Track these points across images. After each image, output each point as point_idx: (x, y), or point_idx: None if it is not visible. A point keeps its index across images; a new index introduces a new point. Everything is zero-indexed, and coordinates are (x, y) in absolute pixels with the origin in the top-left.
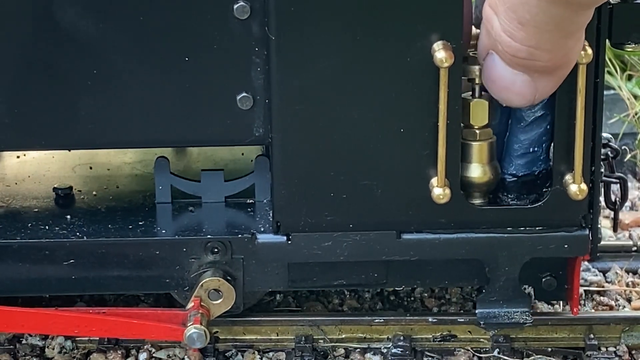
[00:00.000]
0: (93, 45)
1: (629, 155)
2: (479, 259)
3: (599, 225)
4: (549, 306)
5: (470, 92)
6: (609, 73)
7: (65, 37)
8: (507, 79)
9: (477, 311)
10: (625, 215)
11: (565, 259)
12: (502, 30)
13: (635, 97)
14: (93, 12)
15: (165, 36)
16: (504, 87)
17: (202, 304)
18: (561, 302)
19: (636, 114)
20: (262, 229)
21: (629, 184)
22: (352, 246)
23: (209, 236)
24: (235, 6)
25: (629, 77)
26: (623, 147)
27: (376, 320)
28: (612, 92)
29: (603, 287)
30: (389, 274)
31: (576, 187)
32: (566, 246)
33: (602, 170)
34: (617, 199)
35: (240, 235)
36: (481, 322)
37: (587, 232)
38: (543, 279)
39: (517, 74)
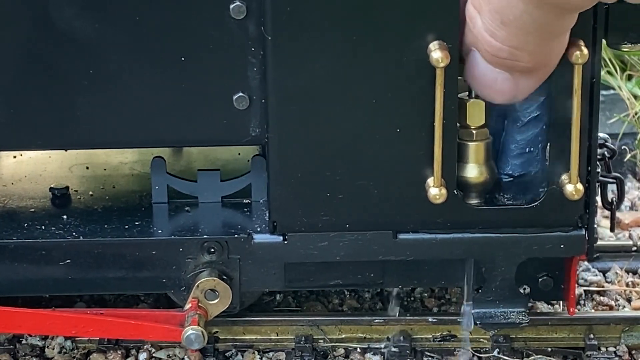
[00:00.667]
0: (90, 45)
1: (629, 155)
2: (476, 259)
3: (598, 225)
4: (549, 306)
5: (467, 92)
6: (609, 73)
7: (62, 36)
8: (489, 77)
9: (473, 311)
10: (625, 215)
11: (561, 259)
12: (484, 30)
13: (635, 97)
14: (89, 11)
15: (161, 36)
16: (485, 84)
17: (199, 304)
18: (561, 302)
19: (636, 114)
20: (258, 229)
21: (629, 184)
22: (349, 246)
23: (205, 236)
24: (232, 6)
25: (629, 77)
26: (623, 147)
27: (376, 320)
28: (612, 92)
29: (603, 287)
30: (386, 274)
31: (572, 187)
32: (562, 246)
33: (599, 170)
34: (614, 199)
35: (236, 235)
36: (478, 322)
37: (583, 232)
38: (540, 279)
39: (498, 72)
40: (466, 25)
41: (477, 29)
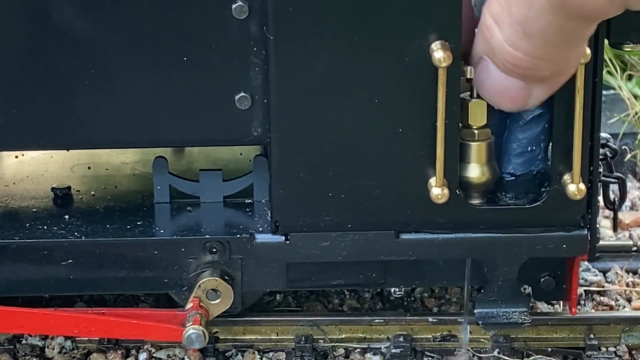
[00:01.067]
0: (91, 44)
1: (629, 155)
2: (478, 259)
3: (598, 225)
4: (549, 306)
5: (469, 92)
6: (609, 73)
7: (63, 36)
8: (502, 85)
9: (475, 311)
10: (625, 215)
11: (563, 259)
12: (505, 41)
13: (635, 97)
14: (90, 11)
15: (163, 36)
16: (497, 92)
17: (201, 304)
18: (561, 302)
19: (636, 114)
20: (260, 229)
21: (629, 184)
22: (351, 246)
23: (207, 236)
24: (234, 6)
25: (629, 77)
26: (623, 147)
27: (376, 320)
28: (612, 92)
29: (603, 287)
30: (388, 273)
31: (574, 187)
32: (564, 246)
33: (601, 170)
34: (616, 198)
35: (238, 235)
36: (480, 322)
37: (585, 232)
38: (541, 279)
39: (512, 81)
40: (478, 34)
41: (496, 40)
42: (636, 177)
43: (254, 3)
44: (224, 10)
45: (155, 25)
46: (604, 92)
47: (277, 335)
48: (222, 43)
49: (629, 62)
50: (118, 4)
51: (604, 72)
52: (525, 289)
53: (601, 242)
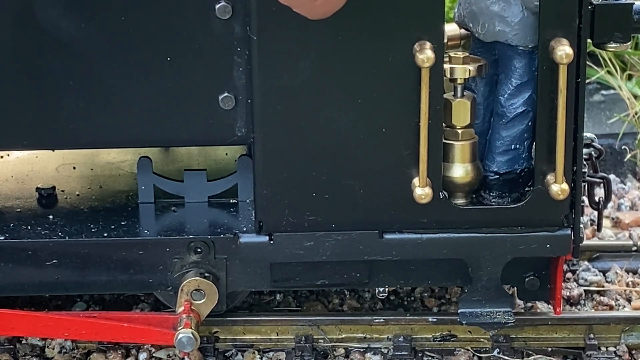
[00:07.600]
0: (75, 44)
1: (629, 155)
2: (462, 259)
3: (582, 225)
4: (549, 306)
5: (452, 92)
6: (609, 73)
7: (47, 36)
8: None
9: (459, 310)
10: (625, 215)
11: (548, 259)
12: None
13: (635, 97)
14: (75, 11)
15: (147, 36)
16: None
17: (192, 307)
18: (562, 302)
19: (636, 114)
20: (244, 229)
21: (629, 184)
22: (335, 246)
23: (191, 236)
24: (217, 6)
25: (629, 77)
26: (623, 147)
27: (376, 320)
28: (612, 92)
29: (603, 287)
30: (372, 273)
31: (558, 187)
32: (548, 246)
33: (585, 170)
34: (601, 199)
35: (222, 235)
36: (463, 322)
37: (569, 231)
38: (526, 279)
39: None
40: None
41: None
42: (636, 177)
43: (237, 3)
44: (207, 11)
45: (139, 26)
46: (603, 92)
47: (277, 335)
48: (205, 43)
49: (629, 62)
50: (102, 4)
51: (603, 72)
52: (508, 288)
53: (601, 242)
